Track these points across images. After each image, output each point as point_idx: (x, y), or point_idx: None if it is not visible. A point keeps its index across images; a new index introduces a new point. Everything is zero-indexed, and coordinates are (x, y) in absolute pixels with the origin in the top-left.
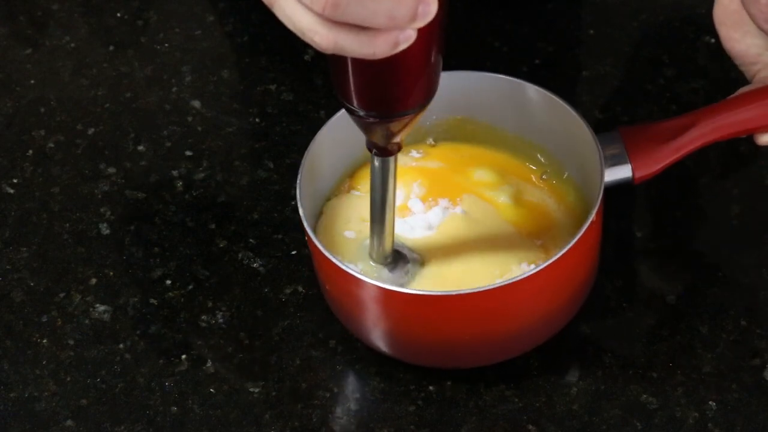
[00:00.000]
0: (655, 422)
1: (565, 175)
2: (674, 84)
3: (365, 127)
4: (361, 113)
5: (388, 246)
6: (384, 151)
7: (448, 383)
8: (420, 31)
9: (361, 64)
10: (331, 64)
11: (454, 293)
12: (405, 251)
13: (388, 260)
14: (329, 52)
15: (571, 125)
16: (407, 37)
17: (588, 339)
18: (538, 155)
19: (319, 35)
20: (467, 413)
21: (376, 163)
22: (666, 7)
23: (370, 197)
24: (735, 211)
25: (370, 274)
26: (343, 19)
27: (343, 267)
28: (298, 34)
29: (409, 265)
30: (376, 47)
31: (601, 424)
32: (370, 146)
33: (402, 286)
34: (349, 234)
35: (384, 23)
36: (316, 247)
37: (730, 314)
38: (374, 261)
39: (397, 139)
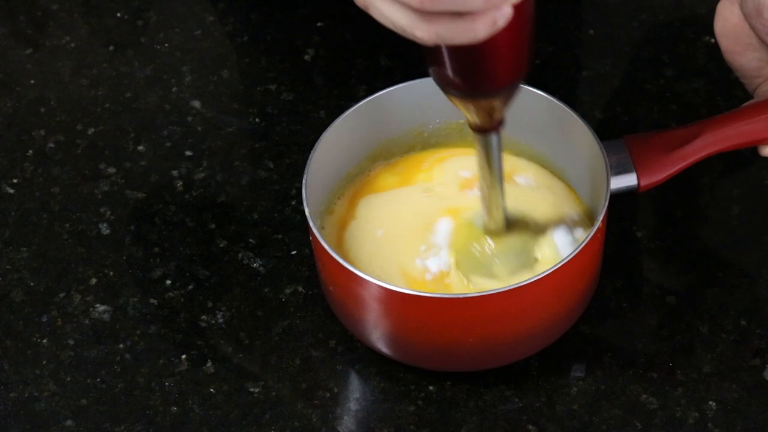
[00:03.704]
0: (655, 422)
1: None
2: (674, 84)
3: (467, 108)
4: (464, 95)
5: (500, 218)
6: (487, 129)
7: (448, 383)
8: (515, 6)
9: (462, 48)
10: (429, 53)
11: (459, 296)
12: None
13: (503, 231)
14: (432, 44)
15: (576, 132)
16: (504, 15)
17: (588, 339)
18: (540, 159)
19: (420, 30)
20: (467, 413)
21: (481, 141)
22: (666, 7)
23: (479, 173)
24: (735, 211)
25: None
26: (440, 8)
27: (349, 267)
28: (399, 31)
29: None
30: (477, 31)
31: (601, 424)
32: (473, 126)
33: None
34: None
35: (480, 5)
36: (321, 246)
37: (730, 314)
38: (490, 233)
39: (499, 115)
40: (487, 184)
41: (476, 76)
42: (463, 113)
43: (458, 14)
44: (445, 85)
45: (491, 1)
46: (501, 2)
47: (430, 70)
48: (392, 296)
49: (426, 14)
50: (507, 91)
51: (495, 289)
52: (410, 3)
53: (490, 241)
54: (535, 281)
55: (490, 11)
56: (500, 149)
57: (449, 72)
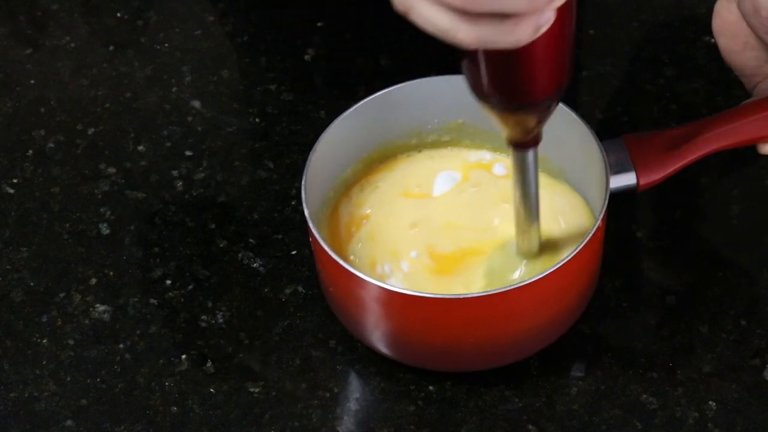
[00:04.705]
0: (655, 422)
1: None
2: (674, 84)
3: (505, 120)
4: (503, 106)
5: (535, 240)
6: (524, 144)
7: (448, 383)
8: (558, 11)
9: (499, 54)
10: (468, 61)
11: (459, 297)
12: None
13: (536, 255)
14: (474, 47)
15: (575, 132)
16: (547, 19)
17: (588, 339)
18: (539, 159)
19: (462, 32)
20: (467, 413)
21: (517, 158)
22: (666, 7)
23: (514, 192)
24: (735, 211)
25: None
26: (483, 9)
27: (349, 268)
28: (441, 35)
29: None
30: (519, 34)
31: (601, 424)
32: (510, 141)
33: None
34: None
35: (525, 7)
36: (322, 248)
37: (730, 314)
38: (523, 256)
39: (535, 130)
40: (522, 204)
41: (515, 86)
42: (499, 127)
43: (501, 16)
44: (482, 96)
45: (536, 4)
46: (545, 5)
47: (467, 81)
48: (392, 297)
49: (468, 15)
50: (545, 103)
51: (494, 290)
52: (453, 3)
53: (523, 267)
54: (535, 281)
55: (534, 14)
56: (536, 167)
57: (487, 81)
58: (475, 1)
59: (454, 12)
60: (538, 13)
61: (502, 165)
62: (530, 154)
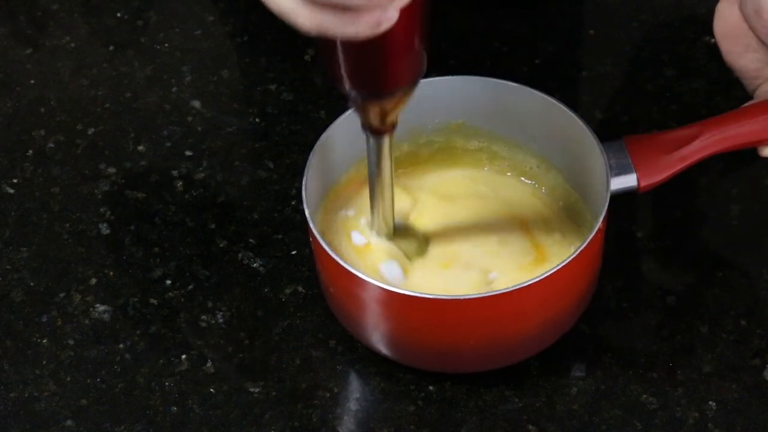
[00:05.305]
0: (655, 422)
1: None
2: (674, 84)
3: (358, 108)
4: (353, 94)
5: (388, 221)
6: (378, 130)
7: (448, 383)
8: (403, 11)
9: (348, 45)
10: (320, 47)
11: (459, 298)
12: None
13: (391, 234)
14: (313, 34)
15: (575, 133)
16: (389, 18)
17: (588, 339)
18: (540, 161)
19: (302, 17)
20: (467, 413)
21: (372, 143)
22: (666, 7)
23: (369, 175)
24: (735, 211)
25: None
26: None
27: (349, 269)
28: (282, 16)
29: (416, 238)
30: (359, 27)
31: (601, 424)
32: (365, 126)
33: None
34: (356, 236)
35: (364, 2)
36: (322, 248)
37: (730, 314)
38: (378, 235)
39: (390, 118)
40: (377, 186)
41: (364, 75)
42: (355, 112)
43: (342, 7)
44: (334, 82)
45: (375, 0)
46: (386, 3)
47: (324, 66)
48: (392, 298)
49: (310, 2)
50: (397, 94)
51: (495, 291)
52: None
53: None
54: (535, 283)
55: (374, 11)
56: (392, 152)
57: (337, 68)
58: None
59: None
60: (379, 10)
61: (356, 233)
62: (386, 139)
